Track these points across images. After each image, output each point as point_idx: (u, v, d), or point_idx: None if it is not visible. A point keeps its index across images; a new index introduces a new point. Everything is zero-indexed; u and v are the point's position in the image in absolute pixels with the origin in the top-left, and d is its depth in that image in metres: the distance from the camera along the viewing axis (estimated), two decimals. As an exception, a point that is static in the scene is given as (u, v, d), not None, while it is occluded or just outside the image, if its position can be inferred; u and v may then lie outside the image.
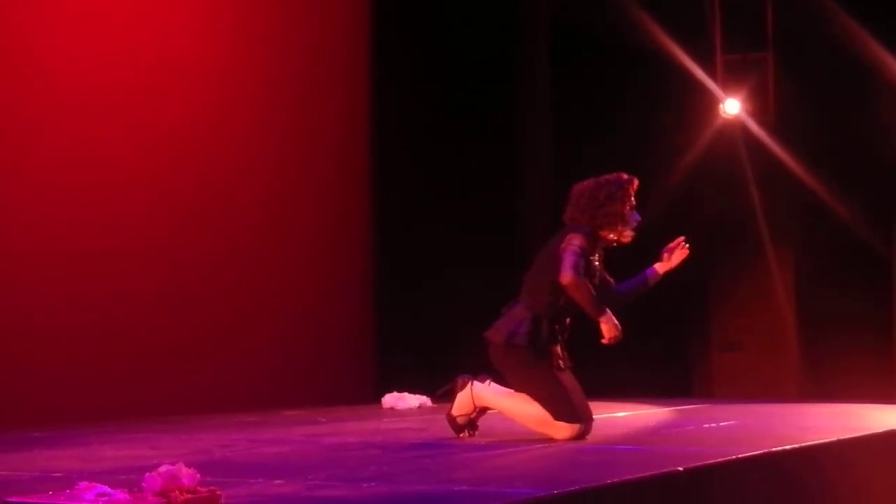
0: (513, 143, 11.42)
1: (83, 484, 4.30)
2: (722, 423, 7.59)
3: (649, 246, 11.13)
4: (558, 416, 6.39)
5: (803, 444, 6.06)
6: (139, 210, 8.82)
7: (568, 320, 6.57)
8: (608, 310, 6.40)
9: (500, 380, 6.63)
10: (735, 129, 11.16)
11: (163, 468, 4.28)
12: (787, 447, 5.91)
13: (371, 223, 10.60)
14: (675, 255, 6.71)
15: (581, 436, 6.39)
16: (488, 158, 11.01)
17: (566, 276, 6.29)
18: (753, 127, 11.10)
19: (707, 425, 7.55)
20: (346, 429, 7.67)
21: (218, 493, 4.26)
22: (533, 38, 11.64)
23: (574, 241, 6.37)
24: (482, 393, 6.60)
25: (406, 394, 9.45)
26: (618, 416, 8.21)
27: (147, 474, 4.29)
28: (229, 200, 9.43)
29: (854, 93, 10.85)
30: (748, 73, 11.10)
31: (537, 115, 11.55)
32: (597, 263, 6.56)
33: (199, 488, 4.25)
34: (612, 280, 6.69)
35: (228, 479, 4.84)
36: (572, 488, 4.54)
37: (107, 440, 6.86)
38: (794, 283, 11.27)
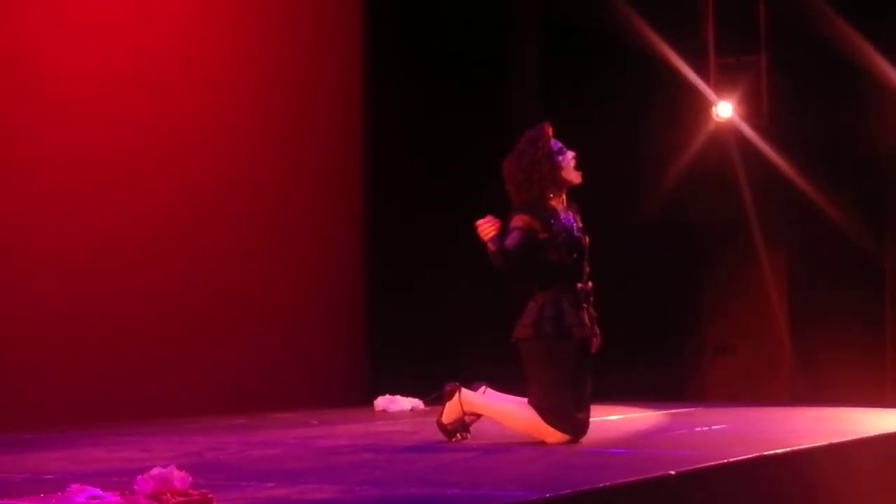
0: (504, 145, 11.40)
1: (74, 486, 4.29)
2: (714, 427, 7.59)
3: (644, 248, 11.14)
4: (550, 420, 6.36)
5: (795, 448, 6.06)
6: (129, 213, 8.80)
7: (587, 284, 6.47)
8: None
9: (496, 385, 6.61)
10: (728, 132, 11.16)
11: (154, 471, 4.27)
12: (780, 451, 5.90)
13: (363, 225, 10.59)
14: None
15: (572, 442, 6.37)
16: (480, 159, 10.98)
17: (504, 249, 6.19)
18: (746, 130, 11.10)
19: (699, 429, 7.55)
20: (337, 432, 7.66)
21: (209, 495, 4.25)
22: (525, 38, 11.64)
23: (517, 219, 6.30)
24: (471, 400, 6.57)
25: (398, 397, 9.44)
26: (610, 420, 8.21)
27: (138, 477, 4.28)
28: (220, 203, 9.41)
29: (847, 96, 10.85)
30: (741, 76, 11.09)
31: (528, 116, 11.54)
32: (567, 223, 6.42)
33: (190, 491, 4.24)
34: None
35: (220, 482, 4.83)
36: (565, 491, 4.54)
37: (98, 442, 6.85)
38: (787, 286, 11.27)
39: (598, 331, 6.56)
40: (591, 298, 6.55)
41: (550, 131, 6.52)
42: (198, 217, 9.23)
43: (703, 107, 11.17)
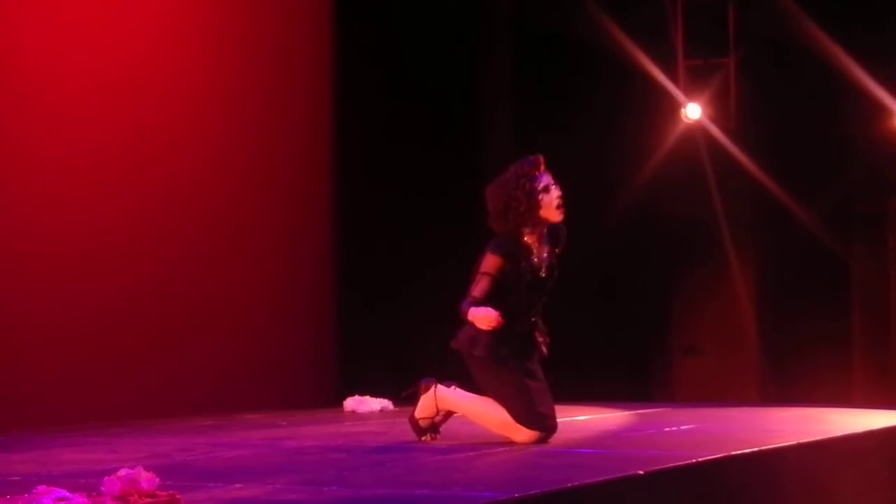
0: (474, 147, 11.42)
1: (41, 488, 4.27)
2: (682, 427, 7.61)
3: (613, 249, 11.17)
4: (520, 419, 6.38)
5: (764, 448, 6.08)
6: (94, 216, 8.75)
7: (533, 318, 6.49)
8: (473, 308, 6.21)
9: (467, 385, 6.62)
10: (697, 134, 11.20)
11: (122, 472, 4.26)
12: (748, 451, 5.92)
13: (333, 226, 10.57)
14: None
15: (542, 440, 6.39)
16: (450, 162, 11.00)
17: (470, 300, 6.24)
18: (715, 132, 11.14)
19: (668, 429, 7.56)
20: (306, 432, 7.65)
21: (177, 497, 4.24)
22: (495, 41, 11.65)
23: (485, 264, 6.30)
24: (445, 396, 6.59)
25: (367, 397, 9.43)
26: (579, 420, 8.22)
27: (106, 478, 4.27)
28: (187, 206, 9.38)
29: (815, 98, 10.90)
30: (710, 78, 11.13)
31: (499, 119, 11.56)
32: (536, 259, 6.40)
33: (158, 492, 4.23)
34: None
35: (188, 483, 4.82)
36: (533, 491, 4.54)
37: (65, 444, 6.82)
38: (755, 287, 11.32)
39: (547, 339, 6.55)
40: (539, 321, 6.55)
41: (542, 166, 6.45)
42: (164, 220, 9.20)
43: (673, 109, 11.21)
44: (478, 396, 6.54)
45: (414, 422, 6.65)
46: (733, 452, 5.84)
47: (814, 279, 11.03)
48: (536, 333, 6.53)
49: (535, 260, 6.43)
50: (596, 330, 10.94)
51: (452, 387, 6.60)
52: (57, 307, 8.46)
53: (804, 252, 11.04)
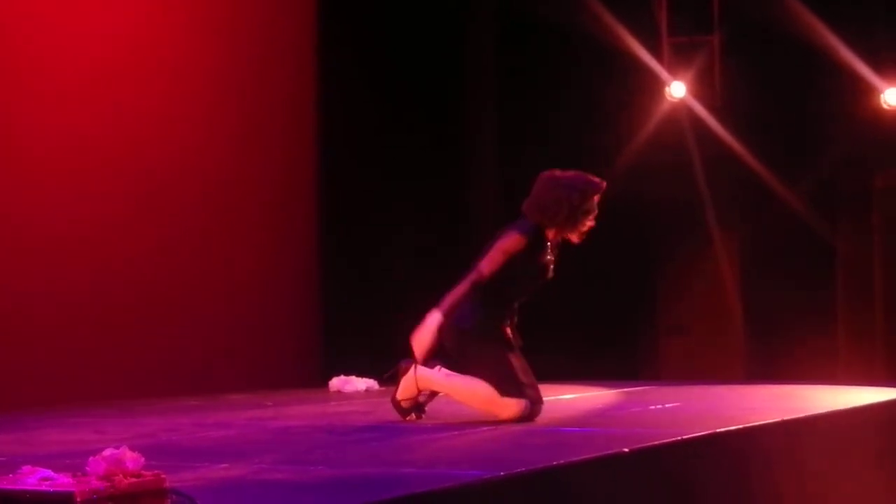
0: (458, 130, 11.42)
1: (26, 468, 4.25)
2: (668, 405, 7.63)
3: (598, 228, 11.16)
4: (505, 391, 6.37)
5: (748, 425, 6.09)
6: (84, 198, 8.75)
7: (516, 305, 6.56)
8: (443, 319, 6.31)
9: (450, 364, 6.61)
10: (681, 113, 11.19)
11: (107, 452, 4.24)
12: (732, 428, 5.94)
13: (317, 207, 10.57)
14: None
15: (530, 416, 6.38)
16: (433, 144, 11.00)
17: (476, 276, 6.30)
18: (699, 110, 11.13)
19: (653, 407, 7.58)
20: (292, 412, 7.65)
21: (162, 477, 4.23)
22: (478, 21, 11.63)
23: (507, 242, 6.36)
24: (426, 375, 6.58)
25: (353, 377, 9.43)
26: (564, 399, 8.23)
27: (91, 458, 4.25)
28: (174, 188, 9.37)
29: (800, 76, 10.90)
30: (694, 55, 11.12)
31: (482, 101, 11.55)
32: (549, 258, 6.53)
33: (143, 472, 4.21)
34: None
35: (173, 463, 4.81)
36: (519, 470, 4.55)
37: (50, 424, 6.81)
38: (740, 266, 11.33)
39: (519, 341, 6.59)
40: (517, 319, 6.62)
41: (600, 195, 6.55)
42: (149, 202, 9.19)
43: (657, 87, 11.20)
44: (460, 375, 6.53)
45: (396, 403, 6.64)
46: (718, 430, 5.85)
47: (799, 257, 11.05)
48: (512, 326, 6.58)
49: (547, 259, 6.51)
50: (582, 309, 10.95)
51: (437, 367, 6.58)
52: (41, 289, 8.45)
53: (789, 230, 11.05)
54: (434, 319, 6.36)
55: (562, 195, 6.44)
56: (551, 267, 6.55)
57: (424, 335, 6.37)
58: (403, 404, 6.63)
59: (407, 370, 6.60)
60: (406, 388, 6.62)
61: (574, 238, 6.57)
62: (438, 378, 6.56)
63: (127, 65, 9.07)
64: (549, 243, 6.53)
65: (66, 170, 8.67)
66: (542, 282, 6.54)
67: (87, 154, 8.80)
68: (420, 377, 6.57)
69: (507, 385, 6.38)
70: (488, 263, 6.35)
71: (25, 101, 8.46)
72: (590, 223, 6.55)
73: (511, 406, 6.37)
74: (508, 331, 6.51)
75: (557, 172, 6.55)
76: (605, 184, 6.57)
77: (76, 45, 8.79)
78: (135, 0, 9.24)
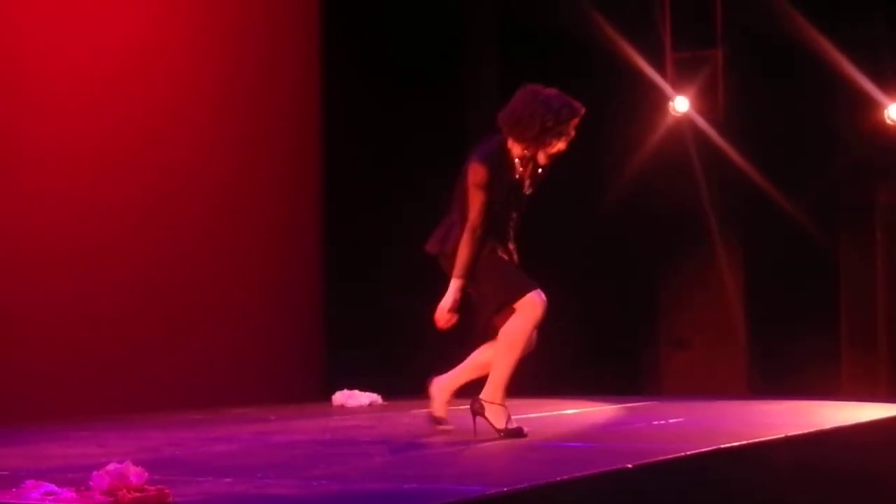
0: (462, 140, 11.42)
1: (29, 482, 4.26)
2: (671, 420, 7.62)
3: (601, 241, 11.15)
4: (520, 291, 6.27)
5: (752, 441, 6.09)
6: (84, 211, 8.73)
7: (511, 225, 6.49)
8: (462, 284, 6.29)
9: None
10: (684, 127, 11.20)
11: (110, 466, 4.25)
12: (736, 444, 5.93)
13: (321, 220, 10.57)
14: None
15: (544, 302, 6.28)
16: (439, 158, 11.00)
17: (468, 226, 6.29)
18: (703, 124, 11.14)
19: (656, 422, 7.57)
20: (295, 427, 7.65)
21: (166, 491, 4.23)
22: (482, 35, 11.64)
23: (474, 175, 6.31)
24: (444, 383, 6.53)
25: (356, 391, 9.43)
26: (567, 414, 8.22)
27: (94, 473, 4.26)
28: (176, 200, 9.37)
29: (803, 91, 10.91)
30: (697, 70, 11.13)
31: (485, 114, 11.54)
32: (519, 175, 6.43)
33: (147, 487, 4.22)
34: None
35: (177, 478, 4.81)
36: (522, 485, 4.54)
37: (53, 438, 6.81)
38: (743, 279, 11.33)
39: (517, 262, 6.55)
40: (513, 233, 6.54)
41: (577, 120, 6.41)
42: (152, 215, 9.18)
43: (661, 101, 11.21)
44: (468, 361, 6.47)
45: (436, 419, 6.55)
46: (722, 445, 5.84)
47: (801, 271, 11.05)
48: (511, 244, 6.53)
49: (517, 175, 6.42)
50: (584, 323, 10.95)
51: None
52: (44, 302, 8.44)
53: (792, 244, 11.05)
54: (456, 285, 6.30)
55: (537, 111, 6.31)
56: (524, 182, 6.45)
57: (450, 303, 6.29)
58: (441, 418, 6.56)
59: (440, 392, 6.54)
60: (440, 404, 6.56)
61: (541, 159, 6.42)
62: (458, 372, 6.50)
63: (132, 72, 9.06)
64: (516, 160, 6.41)
65: (65, 183, 8.65)
66: (519, 200, 6.46)
67: (87, 167, 8.78)
68: (440, 388, 6.51)
69: (512, 285, 6.29)
70: (472, 207, 6.31)
71: (30, 110, 8.45)
72: (560, 146, 6.40)
73: (532, 302, 6.25)
74: (500, 252, 6.43)
75: (539, 87, 6.43)
76: (583, 110, 6.41)
77: (81, 53, 8.78)
78: (138, 7, 9.24)
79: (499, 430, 6.32)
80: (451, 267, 6.39)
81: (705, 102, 11.15)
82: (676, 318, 11.55)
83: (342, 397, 9.41)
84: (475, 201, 6.32)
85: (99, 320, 8.76)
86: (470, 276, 6.32)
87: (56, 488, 4.19)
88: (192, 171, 9.50)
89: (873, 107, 10.72)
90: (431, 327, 6.51)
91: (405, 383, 9.85)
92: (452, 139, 11.28)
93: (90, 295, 8.72)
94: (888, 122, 10.71)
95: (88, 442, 6.59)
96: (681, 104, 11.17)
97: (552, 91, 6.42)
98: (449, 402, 6.60)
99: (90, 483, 4.23)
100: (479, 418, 6.35)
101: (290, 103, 10.36)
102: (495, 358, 6.34)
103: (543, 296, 6.30)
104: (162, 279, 9.20)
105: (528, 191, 6.48)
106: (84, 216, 8.74)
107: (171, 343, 9.20)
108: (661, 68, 11.17)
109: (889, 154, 10.89)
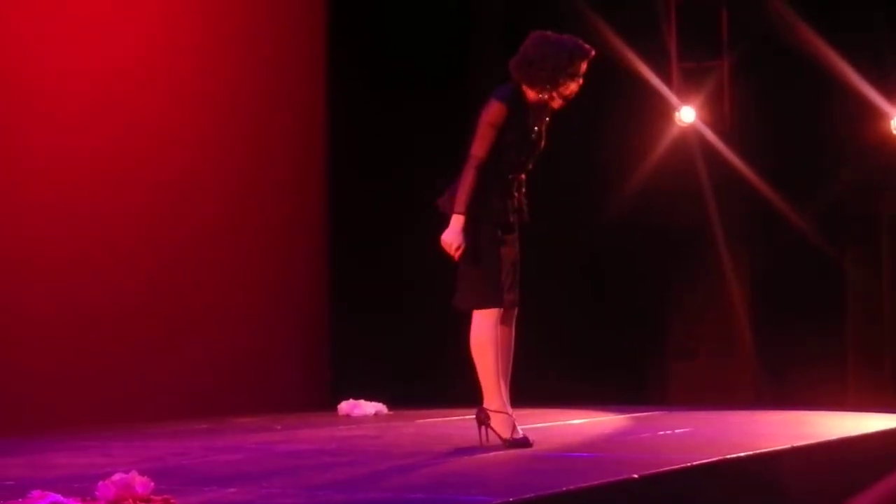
0: (467, 148, 11.40)
1: (35, 492, 4.26)
2: (677, 431, 7.61)
3: (607, 252, 11.15)
4: (482, 302, 6.35)
5: (758, 452, 6.08)
6: (88, 218, 8.74)
7: (521, 175, 6.53)
8: (464, 217, 6.32)
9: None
10: (691, 137, 11.19)
11: (116, 476, 4.25)
12: (742, 454, 5.93)
13: (326, 229, 10.57)
14: None
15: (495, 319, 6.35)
16: (444, 161, 10.98)
17: (471, 159, 6.35)
18: (709, 135, 11.13)
19: (662, 433, 7.56)
20: (300, 436, 7.65)
21: (172, 501, 4.23)
22: (485, 44, 11.62)
23: (489, 113, 6.39)
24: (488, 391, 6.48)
25: (362, 401, 9.43)
26: (573, 424, 8.22)
27: (100, 482, 4.26)
28: (181, 207, 9.38)
29: (809, 101, 10.89)
30: (704, 80, 11.12)
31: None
32: (533, 122, 6.49)
33: (152, 497, 4.22)
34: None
35: (182, 487, 4.81)
36: (528, 495, 4.54)
37: (59, 448, 6.81)
38: (750, 290, 11.31)
39: (525, 217, 6.57)
40: (524, 189, 6.58)
41: (587, 61, 6.49)
42: (156, 222, 9.19)
43: (666, 112, 11.20)
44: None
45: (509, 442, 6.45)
46: (728, 456, 5.84)
47: (808, 281, 11.02)
48: (519, 197, 6.54)
49: (531, 121, 6.49)
50: (590, 333, 10.93)
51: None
52: (49, 310, 8.45)
53: (798, 254, 11.03)
54: (457, 220, 6.34)
55: (548, 52, 6.42)
56: (536, 130, 6.51)
57: (453, 236, 6.33)
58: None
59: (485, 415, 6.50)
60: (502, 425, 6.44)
61: (555, 103, 6.50)
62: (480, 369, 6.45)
63: (136, 76, 9.07)
64: (530, 105, 6.49)
65: (69, 189, 8.66)
66: (529, 149, 6.51)
67: (90, 173, 8.78)
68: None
69: (481, 297, 6.36)
70: (480, 142, 6.39)
71: (34, 112, 8.47)
72: (573, 87, 6.49)
73: (487, 315, 6.34)
74: (509, 203, 6.45)
75: (549, 33, 6.54)
76: (594, 51, 6.51)
77: (85, 59, 8.79)
78: (143, 14, 9.24)
79: (504, 440, 6.32)
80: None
81: (711, 113, 11.13)
82: (682, 328, 11.52)
83: (347, 407, 9.40)
84: (485, 137, 6.40)
85: (103, 328, 8.76)
86: (458, 202, 6.33)
87: (62, 498, 4.19)
88: (196, 177, 9.51)
89: (879, 117, 10.70)
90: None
91: (411, 393, 9.86)
92: (458, 142, 11.27)
93: (95, 302, 8.73)
94: (894, 132, 10.69)
95: (94, 452, 6.59)
96: (686, 114, 11.15)
97: (563, 35, 6.54)
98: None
99: (96, 493, 4.23)
100: (485, 427, 6.36)
101: (295, 107, 10.36)
102: (477, 366, 6.39)
103: (501, 311, 6.36)
104: (167, 286, 9.21)
105: (539, 142, 6.52)
106: (89, 222, 8.75)
107: (175, 351, 9.20)
108: (666, 78, 11.15)
109: (895, 164, 10.88)
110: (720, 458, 5.78)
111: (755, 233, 11.33)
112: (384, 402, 9.41)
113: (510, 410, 6.42)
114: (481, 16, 11.63)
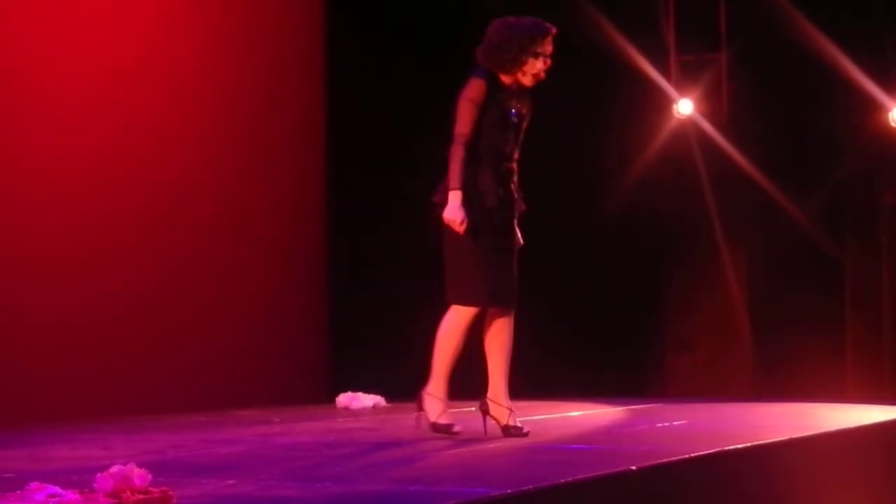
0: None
1: (34, 484, 4.26)
2: (675, 423, 7.62)
3: (605, 244, 11.15)
4: (463, 298, 6.39)
5: (756, 444, 6.09)
6: (90, 216, 8.73)
7: (511, 164, 6.56)
8: (461, 192, 6.37)
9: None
10: (689, 130, 11.20)
11: (114, 468, 4.25)
12: (740, 446, 5.93)
13: (326, 221, 10.57)
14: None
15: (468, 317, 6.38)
16: (445, 155, 10.98)
17: (455, 137, 6.42)
18: (707, 127, 11.13)
19: (660, 425, 7.57)
20: (299, 429, 7.65)
21: (170, 493, 4.23)
22: (482, 37, 11.61)
23: (469, 89, 6.47)
24: (432, 391, 6.52)
25: (360, 394, 9.43)
26: (571, 416, 8.22)
27: (98, 475, 4.26)
28: (182, 204, 9.37)
29: (807, 93, 10.89)
30: (702, 73, 11.13)
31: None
32: (512, 103, 6.53)
33: (151, 489, 4.22)
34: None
35: (181, 480, 4.81)
36: (526, 487, 4.54)
37: (58, 440, 6.81)
38: (748, 282, 11.32)
39: (523, 206, 6.62)
40: (515, 179, 6.62)
41: (551, 37, 6.58)
42: (157, 218, 9.18)
43: (665, 104, 11.21)
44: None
45: (438, 427, 6.50)
46: (726, 448, 5.84)
47: (806, 274, 11.04)
48: (513, 187, 6.56)
49: (509, 103, 6.55)
50: (587, 325, 10.94)
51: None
52: (50, 305, 8.45)
53: (797, 247, 11.04)
54: (455, 196, 6.38)
55: (511, 34, 6.52)
56: (515, 113, 6.55)
57: (454, 212, 6.36)
58: (443, 425, 6.51)
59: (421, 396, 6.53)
60: (433, 408, 6.53)
61: (526, 81, 6.56)
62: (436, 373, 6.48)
63: (136, 77, 9.06)
64: (506, 87, 6.54)
65: (72, 187, 8.65)
66: (513, 132, 6.54)
67: (92, 170, 8.77)
68: (429, 397, 6.51)
69: (462, 293, 6.40)
70: (462, 119, 6.46)
71: (35, 114, 8.45)
72: (539, 66, 6.55)
73: (462, 312, 6.39)
74: (501, 191, 6.47)
75: (510, 18, 6.63)
76: (555, 29, 6.61)
77: (85, 60, 8.78)
78: (142, 14, 9.23)
79: (432, 424, 6.45)
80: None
81: (709, 105, 11.13)
82: (681, 320, 11.53)
83: (346, 399, 9.41)
84: (465, 113, 6.47)
85: (103, 323, 8.76)
86: (451, 182, 6.38)
87: (60, 490, 4.19)
88: (196, 174, 9.50)
89: (878, 109, 10.71)
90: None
91: (409, 385, 9.86)
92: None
93: (95, 298, 8.73)
94: (893, 124, 10.70)
95: (93, 444, 6.60)
96: (685, 107, 11.16)
97: (523, 18, 6.63)
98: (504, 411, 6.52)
99: (94, 485, 4.23)
100: (488, 418, 6.40)
101: (295, 107, 10.35)
102: (435, 351, 6.45)
103: (476, 310, 6.39)
104: (167, 284, 9.20)
105: (514, 119, 6.55)
106: (89, 221, 8.74)
107: (174, 345, 9.20)
108: (665, 71, 11.15)
109: (894, 156, 10.88)
110: (718, 449, 5.78)
111: (754, 225, 11.34)
112: (383, 395, 9.41)
113: (509, 403, 6.44)
114: (482, 16, 11.61)
